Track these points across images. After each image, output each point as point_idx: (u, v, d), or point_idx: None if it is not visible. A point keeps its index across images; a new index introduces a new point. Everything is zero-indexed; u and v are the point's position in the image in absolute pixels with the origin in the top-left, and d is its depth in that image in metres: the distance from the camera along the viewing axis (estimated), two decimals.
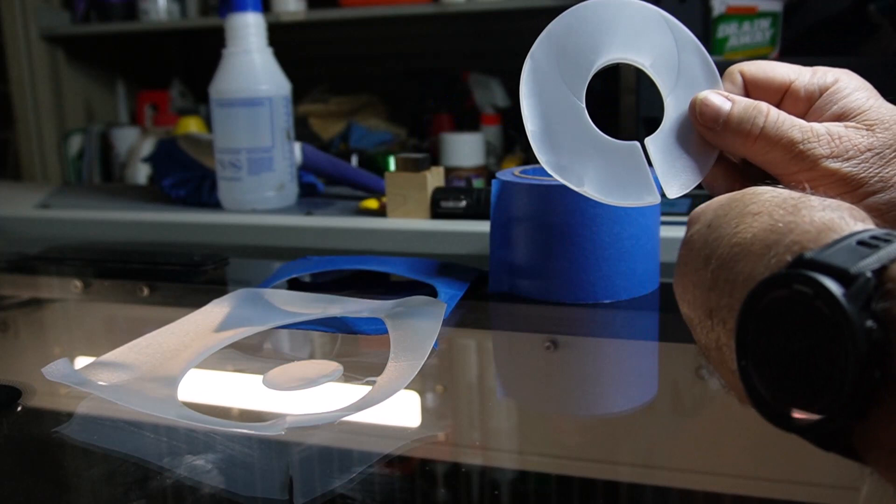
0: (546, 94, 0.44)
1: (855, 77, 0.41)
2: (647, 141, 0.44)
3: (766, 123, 0.39)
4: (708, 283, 0.30)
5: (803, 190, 0.30)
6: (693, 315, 0.32)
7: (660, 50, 0.44)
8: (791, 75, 0.42)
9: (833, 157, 0.38)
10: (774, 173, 0.40)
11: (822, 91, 0.41)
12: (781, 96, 0.42)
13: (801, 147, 0.38)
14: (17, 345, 0.58)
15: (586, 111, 0.45)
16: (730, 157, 0.45)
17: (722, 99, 0.41)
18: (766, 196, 0.30)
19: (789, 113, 0.40)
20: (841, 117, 0.40)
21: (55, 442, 0.40)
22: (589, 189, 0.44)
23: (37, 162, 1.93)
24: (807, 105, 0.41)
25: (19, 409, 0.44)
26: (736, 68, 0.43)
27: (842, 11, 1.23)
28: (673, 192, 0.44)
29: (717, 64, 0.44)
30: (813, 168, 0.38)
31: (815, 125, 0.39)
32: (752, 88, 0.43)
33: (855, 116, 0.39)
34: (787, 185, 0.33)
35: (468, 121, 1.84)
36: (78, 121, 2.01)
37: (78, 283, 0.71)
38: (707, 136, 0.43)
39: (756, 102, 0.40)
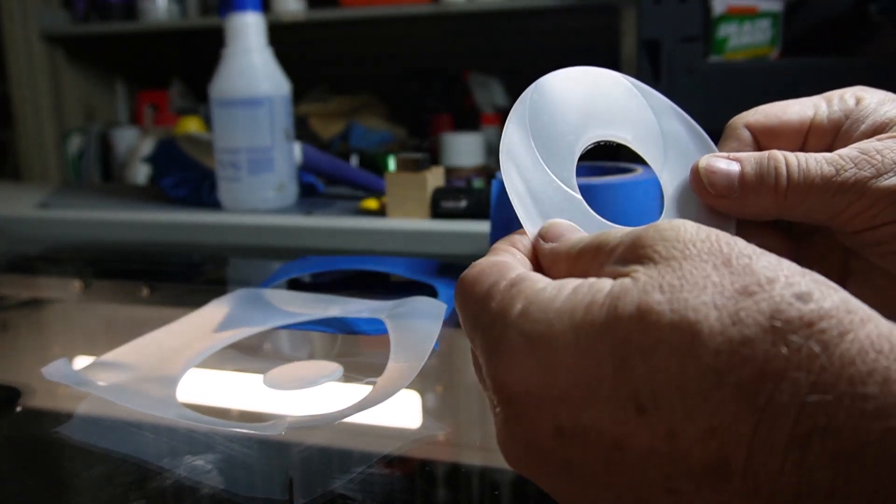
0: (536, 188, 0.37)
1: (875, 90, 0.36)
2: None
3: (790, 169, 0.33)
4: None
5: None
6: None
7: (638, 121, 0.39)
8: (807, 111, 0.36)
9: (882, 175, 0.32)
10: (820, 222, 0.34)
11: (846, 115, 0.36)
12: (804, 138, 0.37)
13: (839, 179, 0.32)
14: (16, 345, 0.58)
15: (585, 203, 0.38)
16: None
17: (726, 161, 0.35)
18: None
19: (815, 150, 0.35)
20: (873, 134, 0.34)
21: (55, 442, 0.40)
22: None
23: (36, 162, 1.93)
24: (832, 136, 0.36)
25: (19, 409, 0.44)
26: (739, 122, 0.37)
27: (842, 11, 1.23)
28: None
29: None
30: (863, 195, 0.32)
31: (843, 151, 0.33)
32: (766, 140, 0.36)
33: (891, 128, 0.34)
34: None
35: (468, 121, 1.84)
36: (77, 121, 2.01)
37: (78, 283, 0.71)
38: (722, 207, 0.35)
39: (766, 152, 0.34)
